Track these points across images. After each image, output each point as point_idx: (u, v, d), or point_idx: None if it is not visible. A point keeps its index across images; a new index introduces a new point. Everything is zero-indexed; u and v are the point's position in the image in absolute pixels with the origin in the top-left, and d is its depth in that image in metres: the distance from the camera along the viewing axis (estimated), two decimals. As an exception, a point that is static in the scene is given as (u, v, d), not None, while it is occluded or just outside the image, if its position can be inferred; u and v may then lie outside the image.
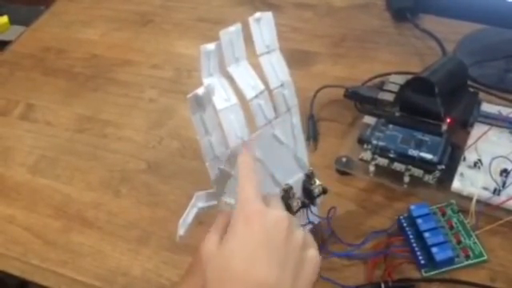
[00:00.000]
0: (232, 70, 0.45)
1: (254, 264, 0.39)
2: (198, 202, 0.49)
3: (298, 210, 0.52)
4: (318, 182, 0.52)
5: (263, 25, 0.45)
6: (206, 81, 0.44)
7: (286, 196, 0.51)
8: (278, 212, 0.42)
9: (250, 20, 0.45)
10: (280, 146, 0.49)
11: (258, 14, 0.45)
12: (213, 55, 0.44)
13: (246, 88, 0.45)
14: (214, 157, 0.45)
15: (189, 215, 0.48)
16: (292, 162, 0.51)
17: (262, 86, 0.45)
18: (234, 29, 0.44)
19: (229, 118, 0.44)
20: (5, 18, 1.54)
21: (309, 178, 0.52)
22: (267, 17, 0.46)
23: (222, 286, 0.39)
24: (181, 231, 0.48)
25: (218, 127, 0.44)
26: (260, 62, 0.46)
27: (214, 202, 0.48)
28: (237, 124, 0.44)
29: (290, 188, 0.50)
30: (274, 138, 0.49)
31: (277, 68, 0.47)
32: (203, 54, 0.43)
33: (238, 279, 0.39)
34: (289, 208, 0.51)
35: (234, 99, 0.44)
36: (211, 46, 0.43)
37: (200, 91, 0.42)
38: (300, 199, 0.52)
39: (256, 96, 0.45)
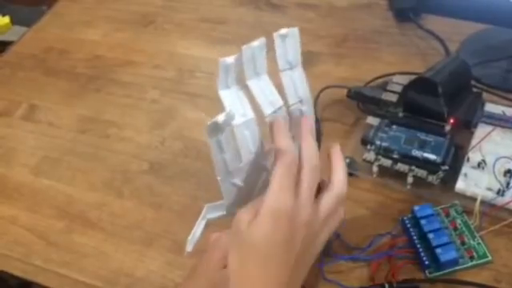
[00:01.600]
0: (252, 84, 0.44)
1: (268, 265, 0.41)
2: (208, 214, 0.48)
3: None
4: None
5: (288, 41, 0.44)
6: (222, 93, 0.44)
7: None
8: (306, 215, 0.43)
9: (275, 35, 0.44)
10: None
11: (284, 31, 0.44)
12: (231, 68, 0.43)
13: (264, 103, 0.44)
14: (227, 172, 0.44)
15: (198, 229, 0.47)
16: None
17: (280, 102, 0.45)
18: (258, 44, 0.43)
19: (244, 133, 0.43)
20: (6, 19, 1.54)
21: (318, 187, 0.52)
22: (293, 33, 0.44)
23: (244, 261, 0.42)
24: (189, 247, 0.47)
25: (232, 143, 0.43)
26: (281, 78, 0.45)
27: (223, 213, 0.48)
28: (251, 139, 0.44)
29: None
30: None
31: (297, 84, 0.46)
32: (221, 67, 0.42)
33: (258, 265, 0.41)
34: None
35: (250, 114, 0.44)
36: (230, 60, 0.42)
37: (220, 119, 0.40)
38: None
39: (274, 112, 0.45)
